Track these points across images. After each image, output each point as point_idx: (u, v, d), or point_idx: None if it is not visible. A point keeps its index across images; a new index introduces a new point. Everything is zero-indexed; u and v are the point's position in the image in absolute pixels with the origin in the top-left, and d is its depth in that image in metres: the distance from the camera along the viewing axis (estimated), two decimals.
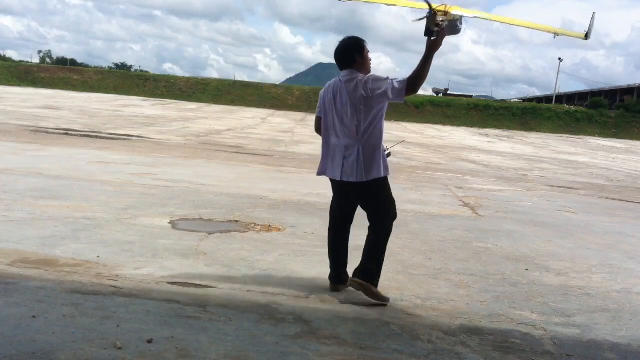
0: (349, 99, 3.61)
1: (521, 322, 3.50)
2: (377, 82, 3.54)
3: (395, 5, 4.16)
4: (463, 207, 8.07)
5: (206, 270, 3.99)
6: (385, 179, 3.72)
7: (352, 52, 3.68)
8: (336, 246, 3.87)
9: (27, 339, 2.65)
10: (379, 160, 3.64)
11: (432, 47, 3.41)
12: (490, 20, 3.98)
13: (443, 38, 3.44)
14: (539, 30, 3.97)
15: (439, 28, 3.41)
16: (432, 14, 3.42)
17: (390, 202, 3.78)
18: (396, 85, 3.48)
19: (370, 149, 3.62)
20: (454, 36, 3.68)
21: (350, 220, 3.90)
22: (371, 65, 3.74)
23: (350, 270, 3.82)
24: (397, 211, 3.85)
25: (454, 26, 3.55)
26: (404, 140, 3.45)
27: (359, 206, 3.86)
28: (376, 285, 3.63)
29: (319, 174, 3.85)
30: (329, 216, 3.94)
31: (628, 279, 4.82)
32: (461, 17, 3.59)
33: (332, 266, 3.87)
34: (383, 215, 3.75)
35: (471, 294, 3.98)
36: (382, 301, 3.61)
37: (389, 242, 3.78)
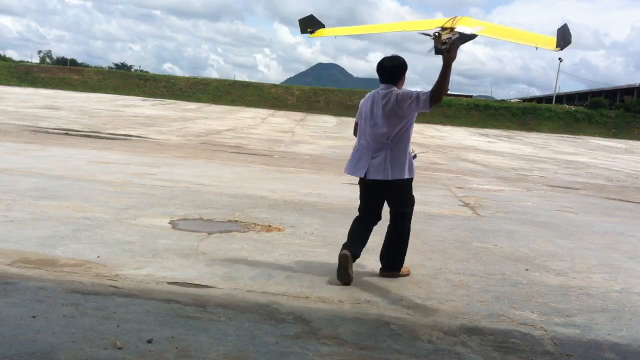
0: (382, 110, 4.03)
1: (521, 322, 3.50)
2: (406, 96, 3.96)
3: (403, 30, 4.28)
4: (463, 207, 8.07)
5: (206, 270, 3.99)
6: (409, 180, 4.16)
7: (400, 71, 4.12)
8: (357, 228, 4.18)
9: (27, 339, 2.65)
10: (404, 163, 4.06)
11: (447, 61, 3.73)
12: (492, 37, 3.78)
13: (456, 50, 3.70)
14: (520, 43, 3.77)
15: (447, 45, 3.62)
16: (437, 35, 3.64)
17: (410, 203, 4.24)
18: (421, 97, 3.90)
19: (398, 152, 4.05)
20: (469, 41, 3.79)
21: (376, 215, 4.25)
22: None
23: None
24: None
25: (464, 36, 3.67)
26: (427, 151, 4.01)
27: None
28: (399, 269, 4.21)
29: (345, 171, 4.30)
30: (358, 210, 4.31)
31: (628, 279, 4.82)
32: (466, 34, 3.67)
33: (348, 239, 4.11)
34: (401, 214, 4.18)
35: (471, 294, 3.98)
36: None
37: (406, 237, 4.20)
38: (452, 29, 3.62)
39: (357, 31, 4.77)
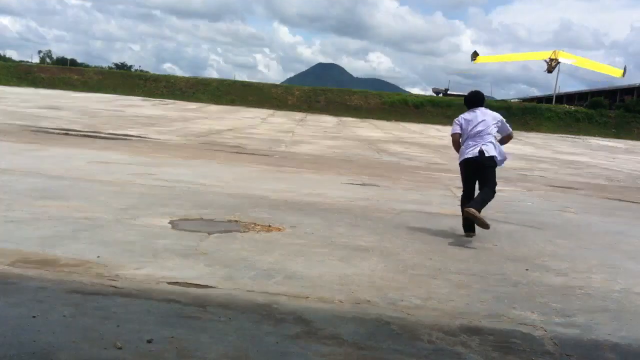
0: (495, 126, 5.99)
1: (521, 322, 3.50)
2: (506, 124, 6.11)
3: (531, 59, 8.58)
4: None
5: (206, 270, 3.99)
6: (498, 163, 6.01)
7: (483, 100, 6.19)
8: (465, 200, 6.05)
9: (27, 339, 2.65)
10: (501, 150, 6.01)
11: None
12: (581, 67, 6.99)
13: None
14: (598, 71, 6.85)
15: (552, 69, 8.23)
16: (550, 61, 8.73)
17: (495, 183, 5.93)
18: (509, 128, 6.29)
19: (497, 144, 5.99)
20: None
21: (474, 187, 6.10)
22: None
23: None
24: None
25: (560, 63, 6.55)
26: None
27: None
28: (479, 211, 5.57)
29: (459, 160, 6.11)
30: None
31: (628, 279, 4.82)
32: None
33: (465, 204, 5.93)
34: (488, 188, 5.85)
35: (471, 294, 3.98)
36: (483, 226, 5.53)
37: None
38: (556, 59, 7.63)
39: (503, 59, 10.42)
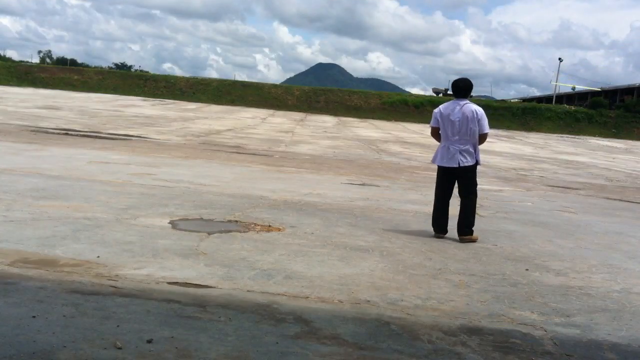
0: (469, 121, 5.72)
1: (521, 322, 3.50)
2: (485, 119, 5.78)
3: None
4: None
5: (206, 270, 3.99)
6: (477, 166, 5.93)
7: (470, 90, 5.90)
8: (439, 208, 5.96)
9: (27, 339, 2.65)
10: (477, 153, 5.86)
11: None
12: None
13: None
14: None
15: None
16: None
17: (475, 186, 5.89)
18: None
19: (475, 145, 5.81)
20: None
21: (450, 194, 6.06)
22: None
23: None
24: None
25: None
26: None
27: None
28: (472, 233, 5.72)
29: (435, 162, 6.10)
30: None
31: (628, 279, 4.82)
32: None
33: (435, 226, 5.91)
34: (469, 196, 5.84)
35: (471, 294, 3.98)
36: (473, 241, 5.67)
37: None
38: None
39: None
